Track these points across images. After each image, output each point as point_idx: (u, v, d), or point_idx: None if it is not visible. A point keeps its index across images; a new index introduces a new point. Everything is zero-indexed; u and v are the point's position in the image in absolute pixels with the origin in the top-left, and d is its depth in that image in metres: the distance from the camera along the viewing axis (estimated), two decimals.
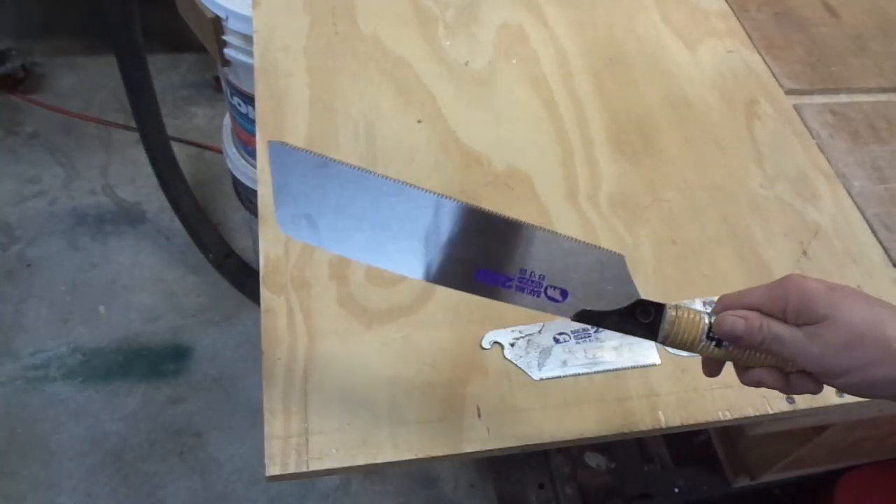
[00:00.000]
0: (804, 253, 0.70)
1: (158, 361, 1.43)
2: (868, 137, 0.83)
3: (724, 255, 0.69)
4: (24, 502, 1.24)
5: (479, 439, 0.54)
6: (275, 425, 0.53)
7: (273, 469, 0.51)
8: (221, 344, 1.47)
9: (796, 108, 0.84)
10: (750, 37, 0.92)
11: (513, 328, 0.60)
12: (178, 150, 1.50)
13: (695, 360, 0.60)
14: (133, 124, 1.35)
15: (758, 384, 0.44)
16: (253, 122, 0.80)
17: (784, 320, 0.42)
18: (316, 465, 0.51)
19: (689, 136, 0.79)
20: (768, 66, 0.89)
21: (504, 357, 0.59)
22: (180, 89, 1.92)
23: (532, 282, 0.44)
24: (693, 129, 0.80)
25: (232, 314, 1.52)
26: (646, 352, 0.60)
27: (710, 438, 1.11)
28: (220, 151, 1.52)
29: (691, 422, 0.57)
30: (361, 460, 0.52)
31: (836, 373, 0.40)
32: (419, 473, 1.36)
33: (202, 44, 1.10)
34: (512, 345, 0.59)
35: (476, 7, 0.89)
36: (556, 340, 0.60)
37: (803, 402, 0.59)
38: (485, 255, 0.44)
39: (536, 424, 0.56)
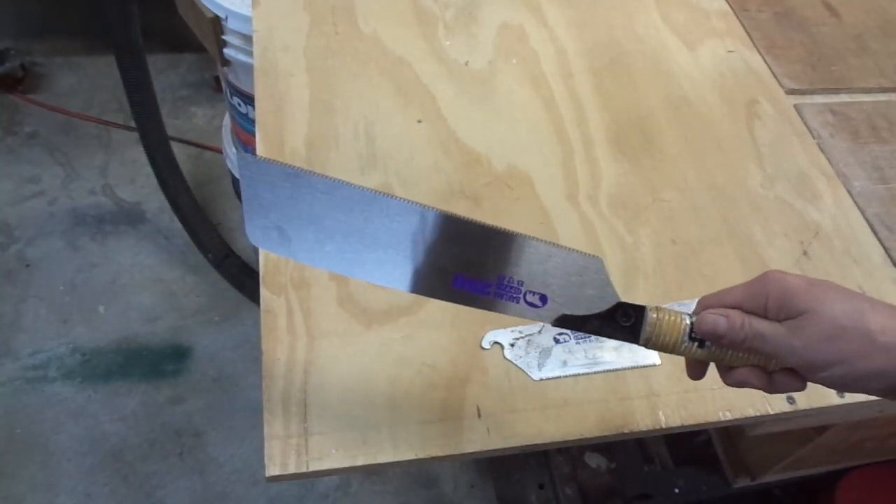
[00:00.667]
0: (804, 253, 0.70)
1: (158, 361, 1.43)
2: (868, 137, 0.83)
3: (724, 255, 0.69)
4: (23, 503, 1.24)
5: (480, 439, 0.54)
6: (275, 425, 0.53)
7: (273, 469, 0.51)
8: (221, 344, 1.47)
9: (797, 107, 0.84)
10: (750, 36, 0.92)
11: (513, 328, 0.60)
12: (178, 150, 1.50)
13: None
14: (133, 124, 1.35)
15: (741, 384, 0.44)
16: (253, 122, 0.80)
17: (765, 317, 0.42)
18: (316, 466, 0.51)
19: (690, 136, 0.79)
20: (769, 65, 0.89)
21: (504, 357, 0.59)
22: (180, 89, 1.92)
23: (511, 288, 0.43)
24: (693, 129, 0.80)
25: (232, 314, 1.52)
26: (646, 352, 0.60)
27: (711, 439, 1.11)
28: (219, 151, 1.52)
29: (691, 422, 0.57)
30: (361, 460, 0.52)
31: (820, 366, 0.40)
32: (419, 473, 1.35)
33: (202, 44, 1.10)
34: (512, 345, 0.59)
35: (476, 7, 0.89)
36: (557, 341, 0.60)
37: (804, 402, 0.59)
38: (462, 263, 0.43)
39: (536, 424, 0.55)
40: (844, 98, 0.88)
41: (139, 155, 1.51)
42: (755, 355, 0.43)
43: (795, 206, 0.74)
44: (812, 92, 0.87)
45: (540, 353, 0.59)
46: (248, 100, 1.11)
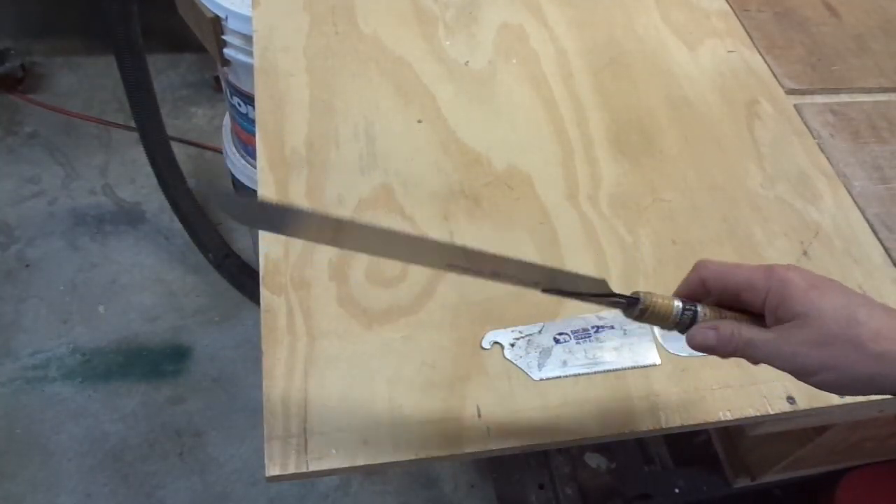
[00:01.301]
0: (805, 253, 0.70)
1: (158, 361, 1.43)
2: (869, 137, 0.83)
3: (725, 255, 0.69)
4: (23, 503, 1.24)
5: (480, 439, 0.54)
6: (274, 425, 0.53)
7: (273, 469, 0.51)
8: (221, 344, 1.47)
9: (797, 107, 0.84)
10: (750, 36, 0.92)
11: (513, 328, 0.60)
12: (178, 150, 1.50)
13: (695, 361, 0.60)
14: (133, 124, 1.35)
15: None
16: (253, 121, 0.80)
17: (759, 310, 0.43)
18: (316, 466, 0.51)
19: (690, 136, 0.79)
20: (769, 65, 0.89)
21: (504, 357, 0.59)
22: (180, 89, 1.92)
23: None
24: (693, 129, 0.80)
25: (232, 314, 1.52)
26: (646, 352, 0.60)
27: (711, 439, 1.11)
28: (219, 151, 1.52)
29: (692, 422, 0.57)
30: (361, 460, 0.52)
31: (810, 371, 0.40)
32: (419, 473, 1.35)
33: (202, 44, 1.10)
34: (512, 345, 0.59)
35: (476, 7, 0.89)
36: (556, 340, 0.60)
37: (804, 402, 0.59)
38: None
39: (536, 424, 0.55)
40: (844, 98, 0.88)
41: (139, 155, 1.51)
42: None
43: (795, 206, 0.74)
44: (812, 92, 0.87)
45: (540, 353, 0.59)
46: (248, 100, 1.11)
